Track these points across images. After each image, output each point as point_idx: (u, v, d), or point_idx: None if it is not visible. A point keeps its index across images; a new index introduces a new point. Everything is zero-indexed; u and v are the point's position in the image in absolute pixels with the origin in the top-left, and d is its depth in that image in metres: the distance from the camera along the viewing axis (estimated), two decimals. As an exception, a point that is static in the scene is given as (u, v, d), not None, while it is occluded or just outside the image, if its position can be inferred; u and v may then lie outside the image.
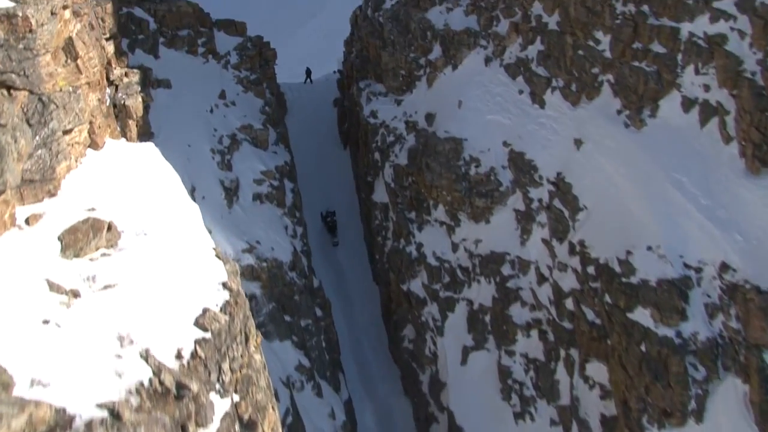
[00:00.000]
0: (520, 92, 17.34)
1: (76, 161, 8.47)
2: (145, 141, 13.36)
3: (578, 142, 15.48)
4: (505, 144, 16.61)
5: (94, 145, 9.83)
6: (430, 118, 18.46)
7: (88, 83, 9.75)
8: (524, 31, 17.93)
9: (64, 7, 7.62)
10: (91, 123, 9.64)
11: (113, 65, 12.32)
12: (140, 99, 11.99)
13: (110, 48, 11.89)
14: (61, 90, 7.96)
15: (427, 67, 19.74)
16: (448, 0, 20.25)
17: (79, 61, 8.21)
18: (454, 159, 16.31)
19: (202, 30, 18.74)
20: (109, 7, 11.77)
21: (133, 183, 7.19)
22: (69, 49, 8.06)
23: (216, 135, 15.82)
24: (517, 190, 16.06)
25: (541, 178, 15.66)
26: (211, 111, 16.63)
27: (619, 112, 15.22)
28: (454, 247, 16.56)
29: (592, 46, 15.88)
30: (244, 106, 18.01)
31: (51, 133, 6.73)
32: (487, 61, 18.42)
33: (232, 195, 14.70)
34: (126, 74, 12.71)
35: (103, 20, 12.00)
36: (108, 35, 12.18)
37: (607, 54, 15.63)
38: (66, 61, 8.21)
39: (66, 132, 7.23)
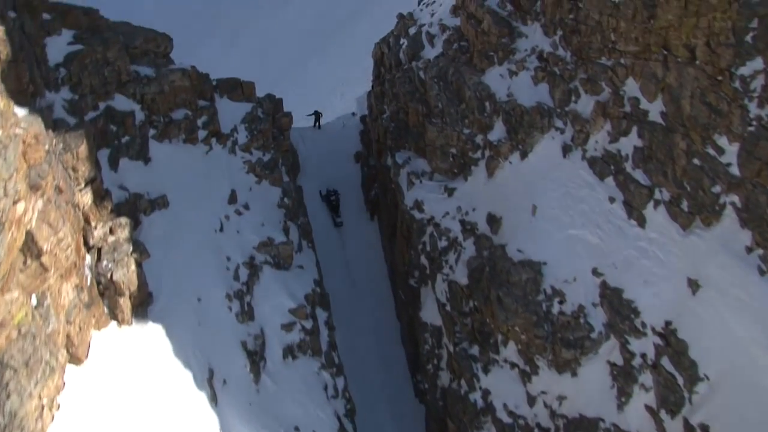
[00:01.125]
0: (611, 200, 15.38)
1: (51, 409, 8.09)
2: (142, 316, 11.73)
3: (694, 284, 13.63)
4: (595, 273, 14.78)
5: (74, 359, 9.24)
6: (494, 222, 16.59)
7: (60, 275, 8.65)
8: (614, 116, 15.84)
9: (16, 202, 7.11)
10: (68, 334, 8.68)
11: (92, 223, 10.56)
12: (132, 265, 10.24)
13: (87, 198, 10.17)
14: (19, 328, 7.30)
15: (485, 149, 17.74)
16: (509, 60, 17.88)
17: (44, 258, 7.77)
18: (533, 292, 14.56)
19: (201, 105, 16.60)
20: (83, 149, 9.94)
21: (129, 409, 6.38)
22: (29, 246, 7.55)
23: (230, 267, 14.08)
24: (611, 337, 14.23)
25: (644, 326, 13.93)
26: (221, 228, 14.77)
27: (749, 249, 13.30)
28: (531, 400, 14.95)
29: (713, 156, 13.87)
30: (260, 206, 16.24)
31: (10, 419, 6.60)
32: (566, 150, 16.38)
33: (258, 360, 13.00)
34: (111, 230, 10.92)
35: (74, 169, 10.15)
36: (84, 183, 10.39)
37: (734, 170, 13.57)
38: (26, 263, 7.72)
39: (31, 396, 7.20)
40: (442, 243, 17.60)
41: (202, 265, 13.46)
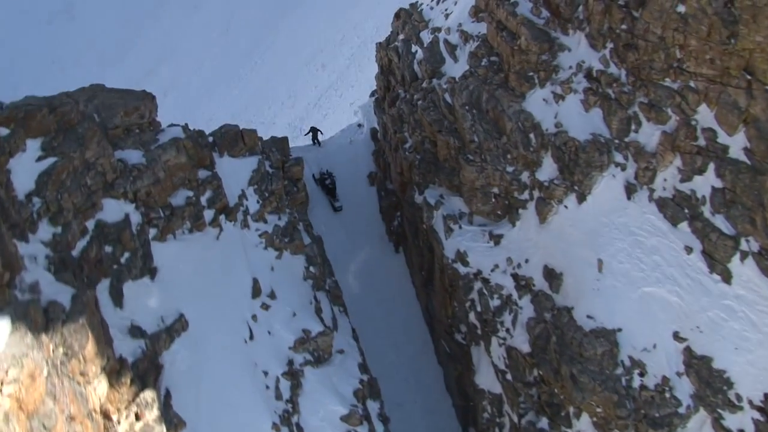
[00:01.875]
0: (688, 250, 14.65)
1: None
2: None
3: (795, 351, 13.00)
4: (677, 338, 14.26)
5: None
6: (553, 278, 15.90)
7: None
8: (686, 151, 14.81)
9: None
10: None
11: (114, 417, 9.77)
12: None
13: (102, 388, 9.60)
14: None
15: (534, 189, 16.54)
16: (553, 80, 16.53)
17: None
18: (610, 366, 13.98)
19: (202, 178, 15.23)
20: (90, 347, 8.95)
21: None
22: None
23: (269, 384, 13.32)
24: (701, 409, 13.76)
25: (739, 399, 13.45)
26: (251, 336, 13.79)
27: None
28: (612, 477, 14.52)
29: (811, 205, 12.91)
30: (286, 289, 15.58)
31: None
32: (630, 190, 15.46)
33: (319, 487, 12.40)
34: (137, 416, 10.13)
35: (83, 374, 9.14)
36: (95, 378, 9.54)
37: (837, 221, 12.70)
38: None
39: None
40: (495, 302, 16.84)
41: (239, 393, 12.61)
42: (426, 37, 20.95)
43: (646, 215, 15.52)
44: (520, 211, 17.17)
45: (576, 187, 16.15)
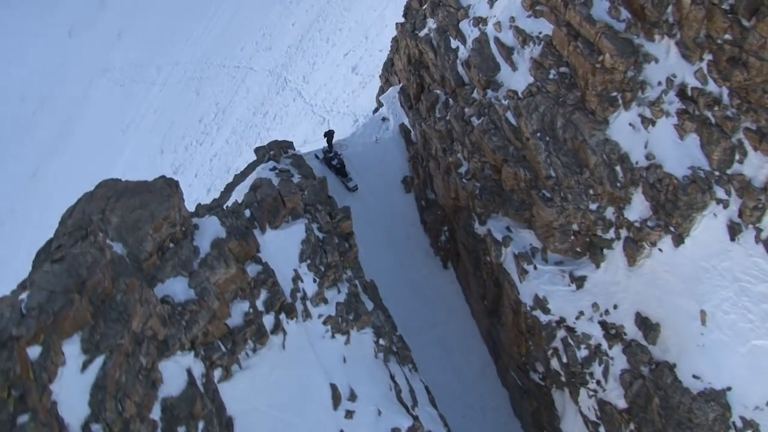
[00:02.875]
0: None
1: None
2: None
3: None
4: (791, 393, 14.51)
5: None
6: (649, 328, 16.21)
7: None
8: (802, 188, 14.38)
9: None
10: None
11: None
12: None
13: None
14: None
15: (621, 228, 16.15)
16: (639, 100, 15.63)
17: None
18: (722, 430, 14.31)
19: (255, 276, 14.56)
20: None
21: None
22: None
23: None
24: (817, 465, 14.51)
25: None
26: None
27: None
28: None
29: None
30: (364, 380, 15.88)
31: None
32: (734, 231, 15.38)
33: None
34: None
35: None
36: None
37: None
38: None
39: None
40: (582, 353, 16.86)
41: None
42: (468, 30, 19.26)
43: (752, 258, 15.42)
44: (605, 251, 16.85)
45: (672, 229, 15.73)
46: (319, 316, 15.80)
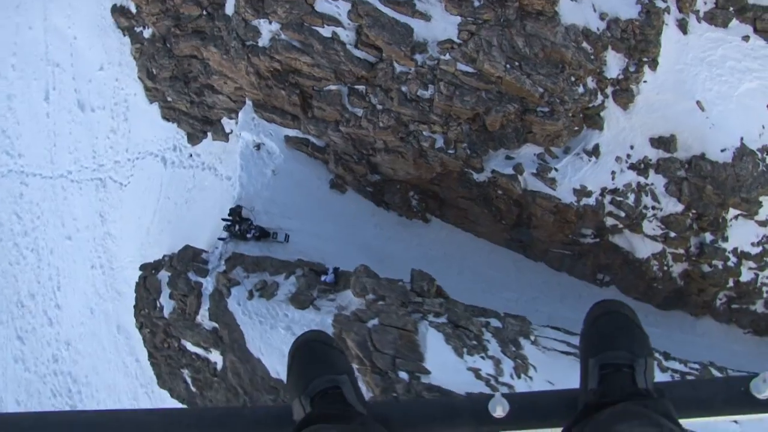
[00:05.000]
0: (746, 39, 17.81)
1: None
2: None
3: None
4: (772, 108, 18.45)
5: None
6: (666, 143, 19.14)
7: None
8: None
9: None
10: None
11: None
12: None
13: None
14: None
15: (604, 88, 17.45)
16: None
17: None
18: (758, 173, 18.13)
19: None
20: None
21: None
22: None
23: None
24: None
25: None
26: None
27: None
28: None
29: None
30: None
31: None
32: (683, 25, 17.49)
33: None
34: None
35: None
36: None
37: None
38: None
39: None
40: (631, 198, 18.70)
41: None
42: (332, 8, 15.74)
43: (704, 36, 17.56)
44: (602, 114, 17.72)
45: (646, 59, 16.99)
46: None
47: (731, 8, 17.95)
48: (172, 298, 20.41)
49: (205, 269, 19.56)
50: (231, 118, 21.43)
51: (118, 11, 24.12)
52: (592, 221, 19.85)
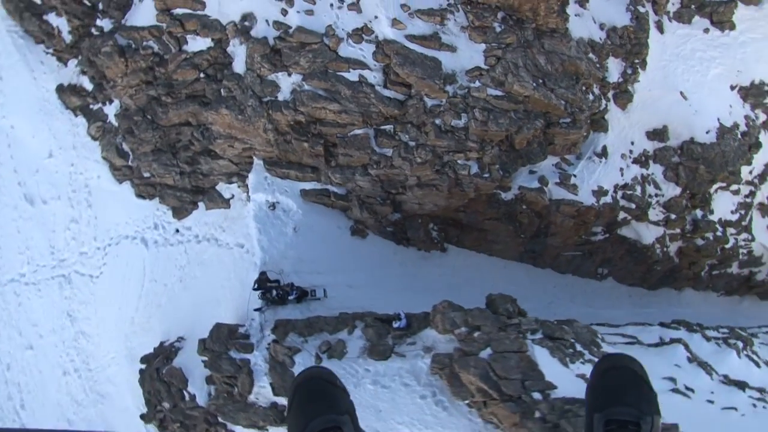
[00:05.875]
0: (706, 31, 20.18)
1: None
2: None
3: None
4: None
5: None
6: (659, 134, 21.34)
7: None
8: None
9: None
10: None
11: None
12: None
13: None
14: None
15: (606, 92, 19.12)
16: None
17: None
18: (739, 143, 20.51)
19: None
20: None
21: None
22: None
23: None
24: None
25: None
26: None
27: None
28: None
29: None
30: None
31: None
32: (660, 26, 19.49)
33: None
34: None
35: None
36: None
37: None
38: None
39: None
40: (638, 191, 20.29)
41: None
42: (354, 52, 15.72)
43: (675, 33, 19.63)
44: (606, 117, 19.09)
45: (638, 61, 18.67)
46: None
47: (692, 6, 20.35)
48: (210, 383, 18.99)
49: (249, 344, 18.36)
50: (231, 183, 20.49)
51: (67, 91, 22.34)
52: (607, 218, 21.19)
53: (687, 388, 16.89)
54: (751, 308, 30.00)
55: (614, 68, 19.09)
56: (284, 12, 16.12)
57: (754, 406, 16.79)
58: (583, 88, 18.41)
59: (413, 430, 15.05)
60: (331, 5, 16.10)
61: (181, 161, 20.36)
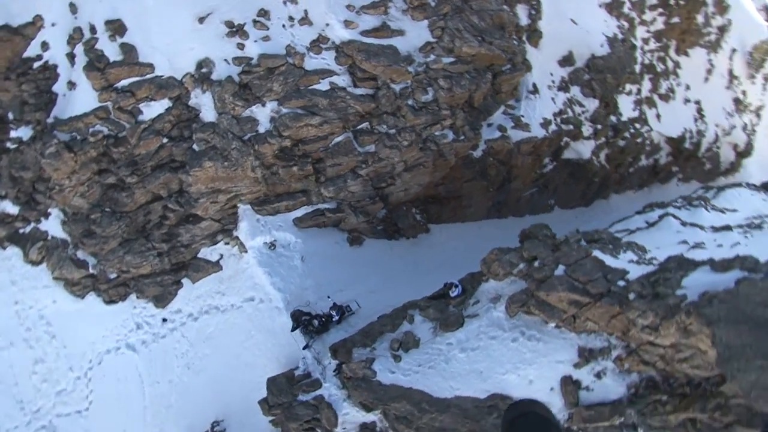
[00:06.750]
0: None
1: None
2: None
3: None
4: (602, 6, 24.85)
5: None
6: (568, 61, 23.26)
7: None
8: None
9: None
10: None
11: None
12: None
13: None
14: None
15: (522, 34, 21.71)
16: None
17: None
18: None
19: None
20: None
21: None
22: None
23: None
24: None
25: None
26: None
27: None
28: None
29: None
30: None
31: None
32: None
33: None
34: None
35: None
36: None
37: None
38: None
39: None
40: (577, 109, 23.01)
41: None
42: (325, 62, 16.29)
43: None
44: (528, 57, 21.52)
45: (534, 1, 21.35)
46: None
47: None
48: (290, 439, 18.32)
49: (314, 381, 18.03)
50: (216, 243, 19.87)
51: (-16, 222, 20.31)
52: (555, 145, 23.73)
53: (697, 244, 19.72)
54: (659, 192, 34.75)
55: (522, 13, 21.72)
56: (241, 46, 16.45)
57: (746, 236, 20.01)
58: (508, 35, 20.78)
59: (519, 373, 16.00)
60: (284, 26, 16.74)
61: (157, 241, 19.44)
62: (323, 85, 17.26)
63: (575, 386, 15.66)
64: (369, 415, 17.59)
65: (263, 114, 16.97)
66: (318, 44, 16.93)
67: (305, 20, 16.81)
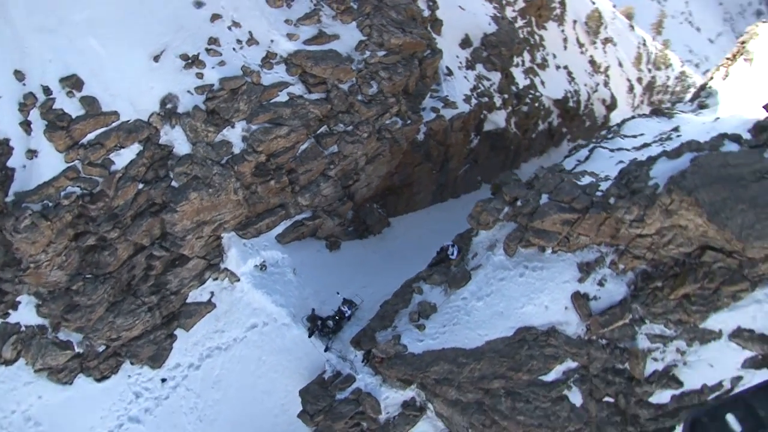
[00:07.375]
0: None
1: None
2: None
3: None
4: (477, -7, 28.33)
5: None
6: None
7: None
8: None
9: None
10: None
11: None
12: None
13: None
14: None
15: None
16: None
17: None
18: None
19: None
20: None
21: None
22: None
23: None
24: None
25: None
26: None
27: None
28: None
29: None
30: None
31: None
32: None
33: None
34: None
35: None
36: None
37: None
38: None
39: None
40: (523, 79, 25.68)
41: None
42: (273, 76, 17.30)
43: None
44: (437, 44, 23.80)
45: None
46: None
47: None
48: (339, 441, 18.55)
49: (347, 376, 18.53)
50: (204, 282, 19.88)
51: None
52: (478, 118, 26.21)
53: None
54: (556, 155, 38.52)
55: (423, 5, 24.17)
56: (200, 75, 17.12)
57: (663, 147, 23.48)
58: (421, 25, 23.06)
59: (534, 302, 17.77)
60: (234, 49, 17.67)
61: (145, 295, 19.16)
62: (282, 97, 18.40)
63: (585, 299, 17.75)
64: (407, 391, 18.45)
65: (235, 135, 17.73)
66: (268, 60, 18.08)
67: (252, 40, 17.93)
